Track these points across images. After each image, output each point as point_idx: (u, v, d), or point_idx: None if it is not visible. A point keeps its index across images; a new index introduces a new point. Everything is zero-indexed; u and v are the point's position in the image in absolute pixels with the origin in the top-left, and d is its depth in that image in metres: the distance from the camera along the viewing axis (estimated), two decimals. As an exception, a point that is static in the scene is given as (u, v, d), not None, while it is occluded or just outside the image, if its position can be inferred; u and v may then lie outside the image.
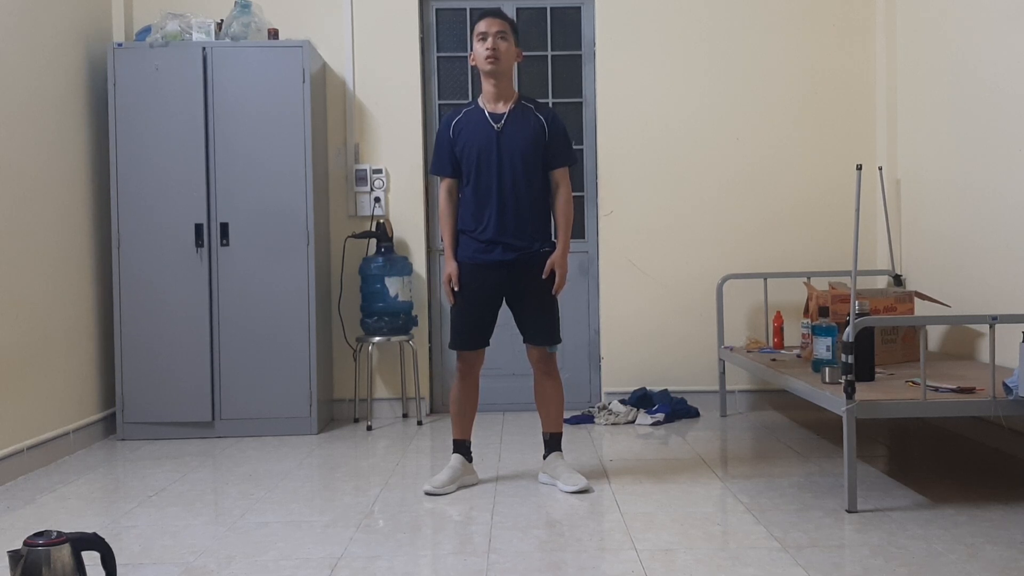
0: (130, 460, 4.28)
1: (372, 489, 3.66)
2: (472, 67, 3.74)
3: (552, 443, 3.72)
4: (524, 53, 5.31)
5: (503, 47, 3.55)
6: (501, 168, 3.55)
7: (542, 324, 3.63)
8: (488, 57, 3.54)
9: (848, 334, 3.17)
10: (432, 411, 5.33)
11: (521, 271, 3.60)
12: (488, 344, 3.69)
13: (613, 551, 2.85)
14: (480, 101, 3.66)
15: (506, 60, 3.58)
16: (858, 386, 3.20)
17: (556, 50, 5.37)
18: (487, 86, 3.62)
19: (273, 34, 4.92)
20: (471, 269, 3.62)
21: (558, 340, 3.67)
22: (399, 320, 4.97)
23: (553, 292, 3.61)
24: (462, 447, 3.71)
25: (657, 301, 5.26)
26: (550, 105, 5.22)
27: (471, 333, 3.64)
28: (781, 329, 4.87)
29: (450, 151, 3.63)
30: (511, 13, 5.34)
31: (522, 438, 4.54)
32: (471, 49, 3.63)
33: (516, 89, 3.75)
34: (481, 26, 3.58)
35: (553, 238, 3.68)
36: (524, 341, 3.68)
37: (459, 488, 3.62)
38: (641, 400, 5.04)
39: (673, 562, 2.73)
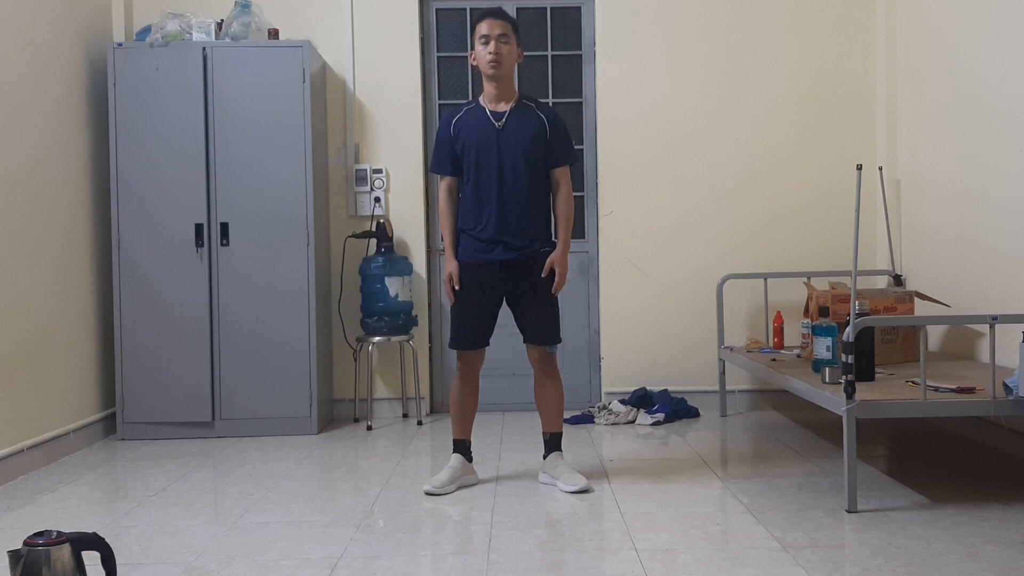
0: (130, 460, 4.28)
1: (372, 489, 3.66)
2: (473, 66, 3.72)
3: (552, 443, 3.71)
4: (524, 53, 5.34)
5: (505, 51, 3.54)
6: (502, 167, 3.55)
7: (542, 324, 3.63)
8: (491, 62, 3.53)
9: (848, 334, 3.17)
10: (432, 411, 5.33)
11: (521, 271, 3.59)
12: (488, 344, 3.68)
13: (613, 551, 2.85)
14: (481, 100, 3.65)
15: (508, 63, 3.57)
16: (858, 386, 3.20)
17: (556, 50, 5.37)
18: (488, 87, 3.62)
19: (273, 34, 4.92)
20: (471, 269, 3.61)
21: (558, 340, 3.66)
22: (399, 320, 4.97)
23: (552, 291, 3.61)
24: (462, 447, 3.71)
25: (657, 301, 5.27)
26: (550, 104, 5.22)
27: (471, 332, 3.63)
28: (781, 329, 4.87)
29: (450, 149, 3.63)
30: (511, 13, 5.33)
31: (522, 438, 4.54)
32: (472, 48, 3.62)
33: (516, 89, 3.74)
34: (483, 27, 3.56)
35: (553, 238, 3.68)
36: (524, 341, 3.68)
37: (459, 488, 3.62)
38: (641, 400, 5.04)
39: (673, 562, 2.73)
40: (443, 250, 5.28)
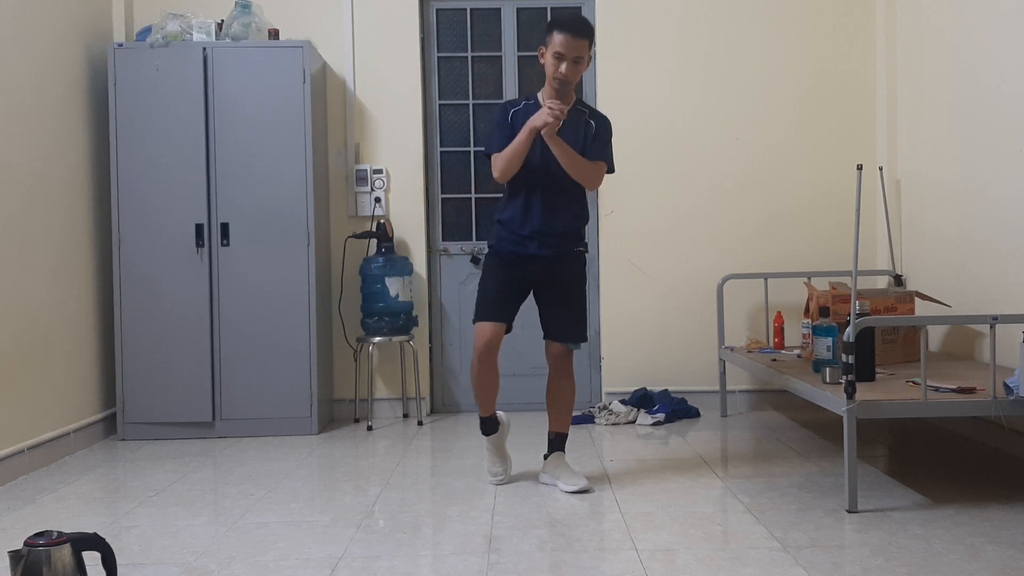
0: (130, 460, 4.28)
1: (372, 489, 3.66)
2: (540, 63, 3.60)
3: (556, 443, 3.72)
4: (522, 54, 5.37)
5: (574, 72, 3.50)
6: (547, 167, 3.54)
7: (567, 321, 3.65)
8: (559, 80, 3.49)
9: (848, 334, 3.17)
10: (432, 411, 5.33)
11: (552, 267, 3.62)
12: (510, 328, 3.64)
13: (613, 551, 2.85)
14: (540, 97, 3.62)
15: (576, 79, 3.55)
16: (858, 386, 3.20)
17: (556, 50, 5.36)
18: (549, 88, 3.57)
19: (273, 34, 4.92)
20: (505, 258, 3.63)
21: (583, 339, 3.68)
22: (399, 320, 4.97)
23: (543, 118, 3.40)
24: (489, 424, 3.70)
25: (657, 301, 5.27)
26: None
27: (496, 305, 3.59)
28: (782, 329, 4.87)
29: (510, 134, 3.55)
30: (511, 14, 5.35)
31: (522, 438, 4.53)
32: (544, 45, 3.52)
33: (574, 92, 3.67)
34: (559, 44, 3.45)
35: (586, 239, 3.74)
36: (545, 337, 3.67)
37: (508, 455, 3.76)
38: (641, 400, 5.04)
39: (673, 562, 2.73)
40: (444, 250, 5.33)
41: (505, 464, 3.72)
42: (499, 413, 3.77)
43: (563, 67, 3.48)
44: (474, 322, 3.65)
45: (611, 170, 3.69)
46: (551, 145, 3.47)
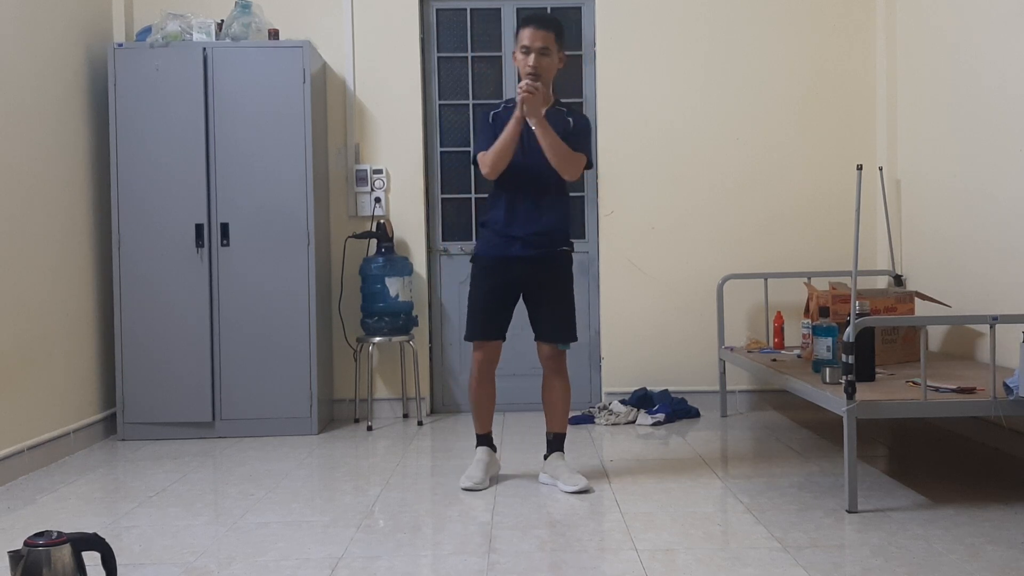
0: (130, 460, 4.28)
1: (372, 489, 3.66)
2: (516, 66, 3.66)
3: (555, 443, 3.72)
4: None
5: (544, 63, 3.52)
6: (528, 167, 3.55)
7: (555, 321, 3.64)
8: (529, 74, 3.51)
9: (848, 334, 3.17)
10: (432, 411, 5.33)
11: (539, 268, 3.61)
12: (504, 338, 3.67)
13: (613, 551, 2.85)
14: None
15: (547, 75, 3.56)
16: (858, 386, 3.20)
17: (556, 50, 5.36)
18: None
19: (273, 34, 4.92)
20: (491, 262, 3.63)
21: (572, 338, 3.68)
22: (399, 320, 4.97)
23: (521, 91, 3.45)
24: (486, 439, 3.74)
25: (657, 301, 5.27)
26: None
27: (487, 323, 3.63)
28: (782, 329, 4.87)
29: (494, 135, 3.57)
30: (511, 14, 5.35)
31: (522, 438, 4.54)
32: (515, 46, 3.57)
33: (553, 93, 3.70)
34: (525, 37, 3.52)
35: (571, 239, 3.73)
36: (536, 338, 3.68)
37: (490, 478, 3.69)
38: (641, 400, 5.04)
39: (673, 562, 2.73)
40: (444, 250, 5.33)
41: (487, 479, 3.66)
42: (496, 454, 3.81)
43: (531, 59, 3.51)
44: (465, 339, 3.70)
45: (590, 165, 3.69)
46: (537, 128, 3.47)
